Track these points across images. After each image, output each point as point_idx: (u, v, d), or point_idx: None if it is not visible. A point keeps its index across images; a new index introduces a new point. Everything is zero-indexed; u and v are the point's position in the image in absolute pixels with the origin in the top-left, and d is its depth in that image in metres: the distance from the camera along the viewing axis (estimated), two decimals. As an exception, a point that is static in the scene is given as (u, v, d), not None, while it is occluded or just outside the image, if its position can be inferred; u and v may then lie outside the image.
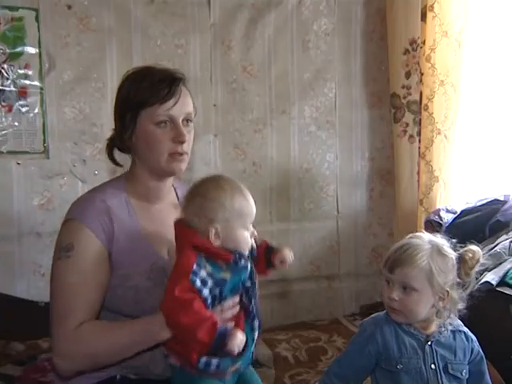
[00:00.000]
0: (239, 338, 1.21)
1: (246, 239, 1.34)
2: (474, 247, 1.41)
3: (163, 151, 1.46)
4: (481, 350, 1.44)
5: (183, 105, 1.49)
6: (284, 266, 1.44)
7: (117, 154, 1.62)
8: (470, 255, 1.39)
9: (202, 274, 1.27)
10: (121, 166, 1.62)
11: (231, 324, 1.30)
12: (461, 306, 1.40)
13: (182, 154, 1.49)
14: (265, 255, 1.45)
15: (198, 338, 1.22)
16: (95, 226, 1.42)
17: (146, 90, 1.45)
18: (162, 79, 1.46)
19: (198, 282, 1.26)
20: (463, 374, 1.39)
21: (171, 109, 1.46)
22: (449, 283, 1.36)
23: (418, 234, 1.43)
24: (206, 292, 1.27)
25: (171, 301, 1.26)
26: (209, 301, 1.28)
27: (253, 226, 1.39)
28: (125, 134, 1.49)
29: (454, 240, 1.41)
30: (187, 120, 1.51)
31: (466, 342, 1.42)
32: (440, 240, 1.40)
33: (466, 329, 1.44)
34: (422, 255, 1.34)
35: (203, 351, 1.24)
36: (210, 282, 1.28)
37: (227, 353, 1.22)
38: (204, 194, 1.34)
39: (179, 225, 1.38)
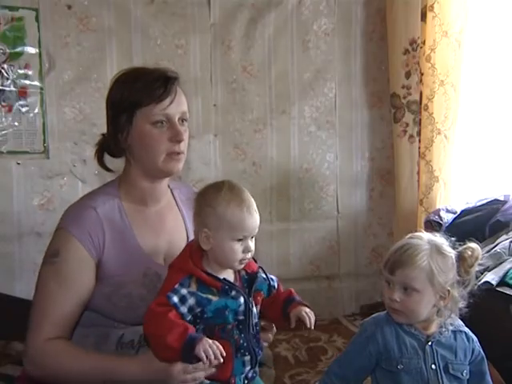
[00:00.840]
0: (207, 345, 1.19)
1: (235, 253, 1.30)
2: (472, 245, 1.40)
3: (161, 151, 1.44)
4: (481, 351, 1.44)
5: (179, 104, 1.47)
6: (303, 324, 1.37)
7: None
8: (470, 253, 1.38)
9: (183, 292, 1.27)
10: (112, 171, 1.59)
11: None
12: (462, 304, 1.40)
13: (179, 154, 1.46)
14: (283, 304, 1.42)
15: (168, 342, 1.21)
16: (84, 236, 1.42)
17: (140, 90, 1.43)
18: (155, 78, 1.44)
19: (175, 299, 1.26)
20: (464, 374, 1.39)
21: (167, 108, 1.43)
22: (449, 282, 1.36)
23: (416, 233, 1.43)
24: (183, 309, 1.26)
25: (147, 313, 1.28)
26: (188, 318, 1.27)
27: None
28: (120, 135, 1.46)
29: (452, 238, 1.41)
30: (183, 119, 1.48)
31: (467, 343, 1.41)
32: (439, 239, 1.40)
33: (466, 329, 1.43)
34: (422, 255, 1.34)
35: (175, 358, 1.23)
36: (190, 300, 1.27)
37: (196, 358, 1.19)
38: (205, 196, 1.34)
39: (190, 243, 1.38)
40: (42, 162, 2.60)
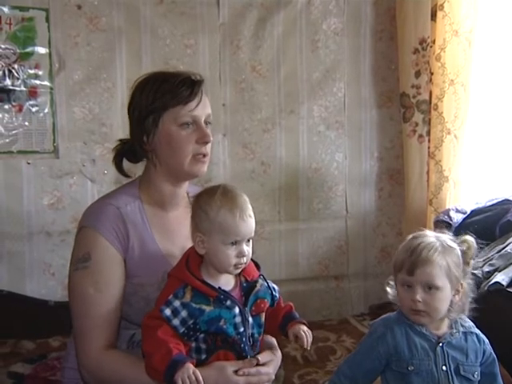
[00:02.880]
0: (186, 375, 1.18)
1: (228, 258, 1.30)
2: (467, 237, 1.43)
3: (188, 153, 1.45)
4: (493, 352, 1.43)
5: (204, 106, 1.48)
6: (300, 342, 1.36)
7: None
8: (467, 245, 1.41)
9: (175, 304, 1.27)
10: (130, 177, 1.59)
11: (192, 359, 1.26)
12: (471, 296, 1.42)
13: (205, 156, 1.48)
14: (282, 320, 1.41)
15: (154, 363, 1.22)
16: (110, 233, 1.42)
17: (167, 93, 1.44)
18: (181, 81, 1.45)
19: (168, 311, 1.26)
20: (475, 375, 1.38)
21: (195, 109, 1.45)
22: (462, 275, 1.38)
23: (420, 232, 1.43)
24: (175, 322, 1.26)
25: (142, 327, 1.30)
26: (181, 330, 1.27)
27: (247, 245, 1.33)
28: (146, 138, 1.47)
29: (450, 234, 1.44)
30: (207, 122, 1.50)
31: (478, 344, 1.41)
32: (444, 235, 1.42)
33: (477, 330, 1.43)
34: (438, 252, 1.35)
35: (160, 379, 1.23)
36: (182, 313, 1.27)
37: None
38: (199, 199, 1.35)
39: (188, 251, 1.38)
40: (52, 162, 2.61)
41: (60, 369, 1.83)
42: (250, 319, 1.34)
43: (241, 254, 1.31)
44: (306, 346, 1.35)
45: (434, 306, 1.35)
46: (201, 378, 1.20)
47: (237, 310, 1.31)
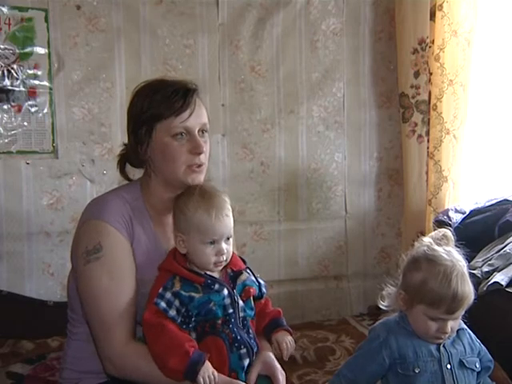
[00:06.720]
0: (206, 375, 1.23)
1: (207, 256, 1.34)
2: (444, 231, 1.45)
3: (181, 163, 1.44)
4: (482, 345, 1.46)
5: (198, 116, 1.47)
6: (279, 352, 1.40)
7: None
8: (446, 241, 1.42)
9: (167, 296, 1.30)
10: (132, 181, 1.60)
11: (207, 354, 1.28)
12: None
13: (199, 166, 1.46)
14: (268, 324, 1.45)
15: (171, 365, 1.25)
16: (117, 222, 1.42)
17: (159, 103, 1.43)
18: (175, 91, 1.44)
19: (163, 304, 1.29)
20: (477, 365, 1.41)
21: (187, 120, 1.44)
22: None
23: (442, 257, 1.37)
24: (172, 313, 1.29)
25: (144, 326, 1.31)
26: (178, 320, 1.30)
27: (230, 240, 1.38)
28: (140, 147, 1.47)
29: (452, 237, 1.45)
30: (203, 131, 1.49)
31: (469, 338, 1.44)
32: (454, 253, 1.39)
33: (464, 325, 1.46)
34: (470, 285, 1.36)
35: (179, 379, 1.26)
36: (175, 302, 1.30)
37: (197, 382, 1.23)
38: (178, 201, 1.38)
39: (175, 247, 1.41)
40: (51, 162, 2.61)
41: (59, 369, 1.83)
42: (241, 302, 1.37)
43: (220, 253, 1.35)
44: (284, 358, 1.39)
45: (455, 329, 1.38)
46: (217, 377, 1.25)
47: (225, 291, 1.34)
